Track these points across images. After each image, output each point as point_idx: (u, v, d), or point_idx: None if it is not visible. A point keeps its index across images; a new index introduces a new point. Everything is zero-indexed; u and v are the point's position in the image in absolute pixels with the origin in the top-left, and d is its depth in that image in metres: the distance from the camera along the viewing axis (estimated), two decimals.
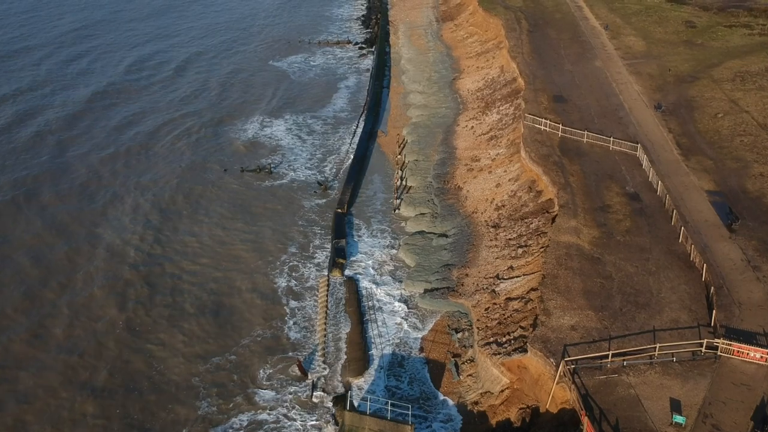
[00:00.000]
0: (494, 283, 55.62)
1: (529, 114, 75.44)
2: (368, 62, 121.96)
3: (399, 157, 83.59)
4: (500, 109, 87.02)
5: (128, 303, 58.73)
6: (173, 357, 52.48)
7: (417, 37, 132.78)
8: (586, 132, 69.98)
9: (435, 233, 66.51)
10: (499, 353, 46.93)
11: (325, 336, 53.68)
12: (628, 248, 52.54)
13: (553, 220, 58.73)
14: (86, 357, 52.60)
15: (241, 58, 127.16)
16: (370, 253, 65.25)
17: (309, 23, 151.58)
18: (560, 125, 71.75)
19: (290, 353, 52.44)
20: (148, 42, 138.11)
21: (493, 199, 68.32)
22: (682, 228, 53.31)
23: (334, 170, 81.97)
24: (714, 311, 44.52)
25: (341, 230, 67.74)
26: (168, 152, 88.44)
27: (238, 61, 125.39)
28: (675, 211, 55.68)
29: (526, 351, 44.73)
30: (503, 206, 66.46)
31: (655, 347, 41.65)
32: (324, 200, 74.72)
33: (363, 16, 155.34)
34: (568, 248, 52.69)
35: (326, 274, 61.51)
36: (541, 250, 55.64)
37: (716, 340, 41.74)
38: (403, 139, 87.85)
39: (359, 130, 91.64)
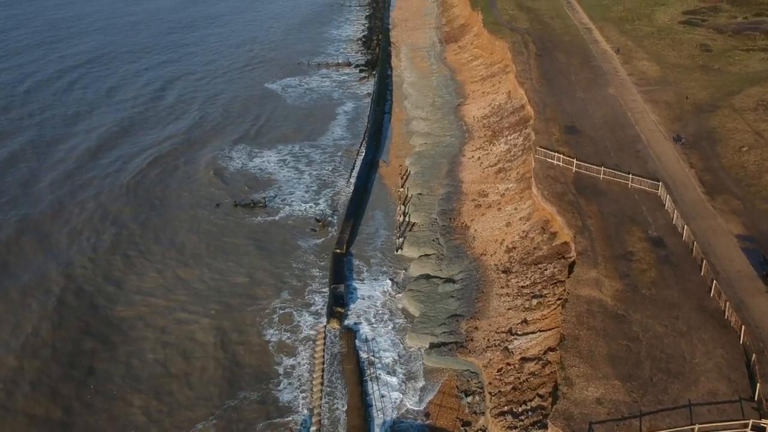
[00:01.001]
0: (507, 339, 50.65)
1: (541, 147, 70.72)
2: (368, 86, 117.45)
3: (401, 190, 78.82)
4: (508, 139, 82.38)
5: (86, 359, 53.41)
6: (146, 423, 47.40)
7: (419, 59, 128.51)
8: (602, 168, 65.22)
9: (441, 277, 61.59)
10: (515, 427, 41.87)
11: (320, 399, 48.65)
12: (655, 304, 47.57)
13: (570, 267, 53.90)
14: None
15: (234, 81, 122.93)
16: (371, 299, 60.24)
17: (307, 44, 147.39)
18: (574, 160, 66.99)
19: (281, 419, 47.41)
20: (135, 64, 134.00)
21: (503, 240, 63.47)
22: (714, 281, 48.38)
23: (333, 204, 77.14)
24: (758, 384, 39.52)
25: (340, 274, 62.83)
26: (146, 182, 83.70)
27: (230, 84, 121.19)
28: (704, 261, 50.79)
29: (546, 427, 39.73)
30: (514, 248, 61.59)
31: (694, 428, 36.70)
32: (321, 239, 69.82)
33: (363, 36, 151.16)
34: (590, 304, 47.74)
35: (323, 324, 56.56)
36: (558, 302, 50.80)
37: (763, 421, 36.79)
38: (406, 170, 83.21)
39: (359, 161, 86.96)
